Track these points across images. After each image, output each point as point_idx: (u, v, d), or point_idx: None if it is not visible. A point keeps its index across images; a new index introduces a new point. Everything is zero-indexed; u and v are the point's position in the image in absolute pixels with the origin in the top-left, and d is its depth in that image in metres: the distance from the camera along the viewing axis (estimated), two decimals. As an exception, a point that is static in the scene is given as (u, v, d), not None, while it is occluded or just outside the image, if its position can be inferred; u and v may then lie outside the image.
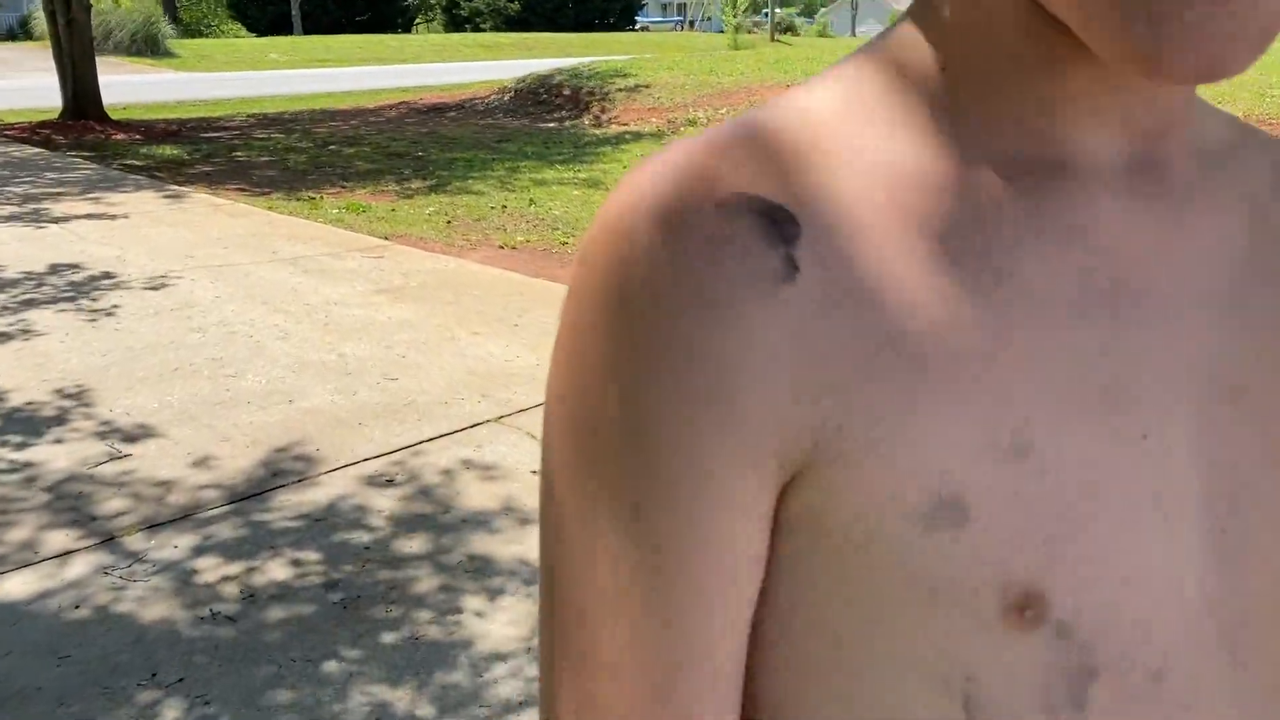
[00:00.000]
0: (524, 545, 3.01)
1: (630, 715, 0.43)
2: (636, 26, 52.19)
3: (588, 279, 0.43)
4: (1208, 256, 0.47)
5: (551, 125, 13.92)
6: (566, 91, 15.35)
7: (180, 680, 2.41)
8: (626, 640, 0.43)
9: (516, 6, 50.14)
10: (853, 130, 0.44)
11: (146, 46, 26.60)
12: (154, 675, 2.43)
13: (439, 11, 55.26)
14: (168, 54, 27.24)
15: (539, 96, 15.77)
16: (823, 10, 77.98)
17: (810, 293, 0.41)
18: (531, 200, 8.63)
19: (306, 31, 42.28)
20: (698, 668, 0.43)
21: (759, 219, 0.41)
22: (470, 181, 9.64)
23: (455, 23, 52.41)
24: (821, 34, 59.36)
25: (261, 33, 42.23)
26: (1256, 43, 0.37)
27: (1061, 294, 0.43)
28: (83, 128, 12.96)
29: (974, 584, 0.42)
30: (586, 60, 18.33)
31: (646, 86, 14.60)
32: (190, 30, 40.47)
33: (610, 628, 0.43)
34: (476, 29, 49.28)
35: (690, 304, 0.40)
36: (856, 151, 0.44)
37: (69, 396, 4.12)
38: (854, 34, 71.45)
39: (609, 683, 0.44)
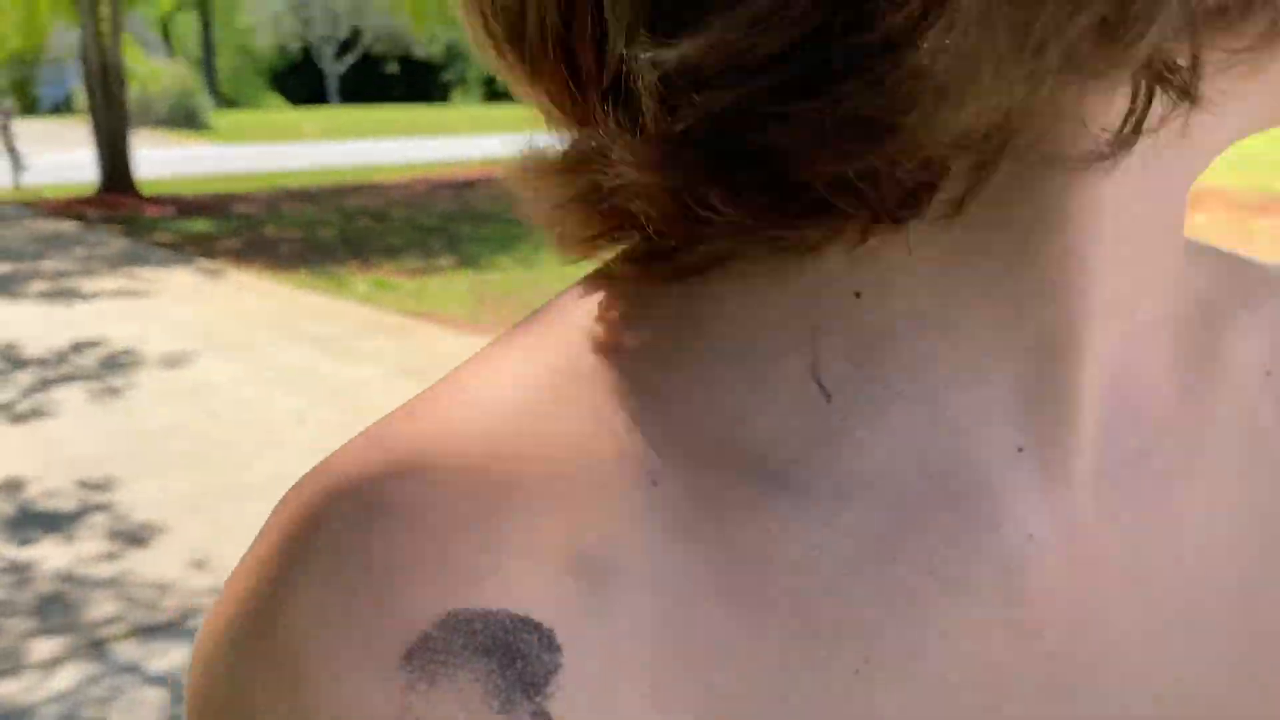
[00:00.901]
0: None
1: None
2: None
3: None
4: (1186, 570, 0.33)
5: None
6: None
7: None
8: None
9: (551, 80, 51.01)
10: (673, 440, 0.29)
11: (185, 119, 27.11)
12: (129, 817, 2.19)
13: (476, 84, 56.30)
14: (205, 126, 27.75)
15: (571, 170, 15.77)
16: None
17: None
18: (562, 277, 8.46)
19: (343, 102, 43.11)
20: None
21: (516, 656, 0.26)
22: (501, 258, 9.53)
23: (493, 95, 53.33)
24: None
25: (299, 104, 43.11)
26: None
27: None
28: (116, 202, 13.05)
29: None
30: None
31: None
32: (228, 102, 41.38)
33: None
34: (514, 100, 50.02)
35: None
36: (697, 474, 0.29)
37: (73, 484, 3.95)
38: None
39: None
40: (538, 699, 0.25)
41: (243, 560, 0.28)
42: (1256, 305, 0.38)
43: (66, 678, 2.68)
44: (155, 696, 2.60)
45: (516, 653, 0.25)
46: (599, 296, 0.32)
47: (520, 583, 0.25)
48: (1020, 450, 0.30)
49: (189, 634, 2.90)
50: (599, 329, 0.31)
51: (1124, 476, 0.32)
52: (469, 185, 16.21)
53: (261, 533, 0.28)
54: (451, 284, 8.26)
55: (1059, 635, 0.30)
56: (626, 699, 0.26)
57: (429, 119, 34.12)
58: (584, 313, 0.32)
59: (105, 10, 12.64)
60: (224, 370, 5.55)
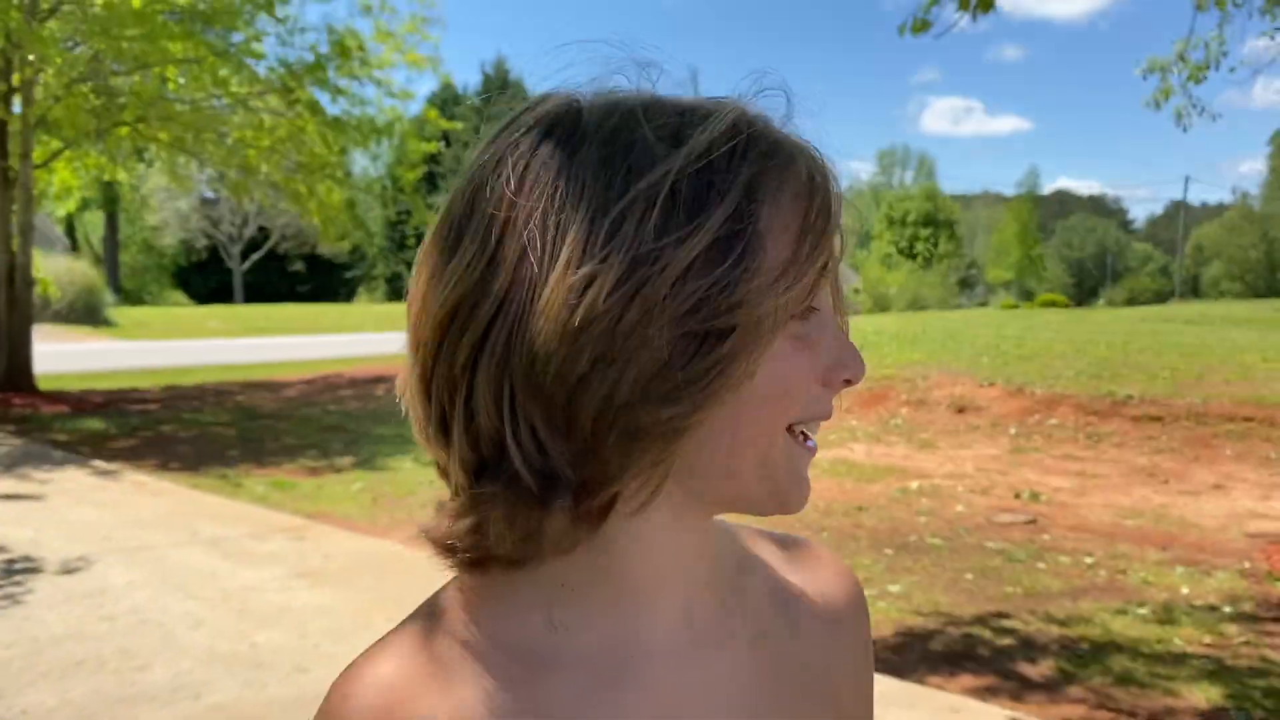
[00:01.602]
0: None
1: None
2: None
3: None
4: (726, 687, 0.70)
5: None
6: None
7: None
8: None
9: (456, 279, 51.96)
10: (489, 657, 0.65)
11: (86, 315, 27.02)
12: None
13: (382, 282, 57.11)
14: (106, 322, 27.66)
15: (473, 369, 16.18)
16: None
17: None
18: (459, 476, 8.72)
19: (248, 300, 43.28)
20: None
21: None
22: (398, 458, 9.75)
23: (398, 293, 53.98)
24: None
25: (202, 301, 43.14)
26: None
27: None
28: (11, 400, 12.97)
29: None
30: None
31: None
32: (131, 298, 41.22)
33: None
34: (416, 299, 50.66)
35: None
36: (524, 646, 0.65)
37: (-37, 694, 3.99)
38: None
39: None
40: None
41: None
42: (756, 555, 0.76)
43: None
44: None
45: None
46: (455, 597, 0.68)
47: (440, 698, 0.62)
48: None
49: (80, 840, 2.99)
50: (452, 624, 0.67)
51: (693, 651, 0.68)
52: (372, 382, 16.46)
53: None
54: (349, 483, 8.44)
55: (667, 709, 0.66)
56: None
57: (333, 316, 34.47)
58: (443, 610, 0.68)
59: (16, 214, 12.90)
60: (120, 575, 5.62)
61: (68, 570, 5.69)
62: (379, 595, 5.34)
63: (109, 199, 37.31)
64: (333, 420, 12.19)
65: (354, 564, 5.95)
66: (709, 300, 0.56)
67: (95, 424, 11.57)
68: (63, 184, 15.65)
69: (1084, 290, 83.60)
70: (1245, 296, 61.52)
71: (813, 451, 0.66)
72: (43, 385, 14.03)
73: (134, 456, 9.56)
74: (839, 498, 7.90)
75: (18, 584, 5.41)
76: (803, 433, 0.65)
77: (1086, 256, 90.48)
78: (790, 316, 0.60)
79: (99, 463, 9.18)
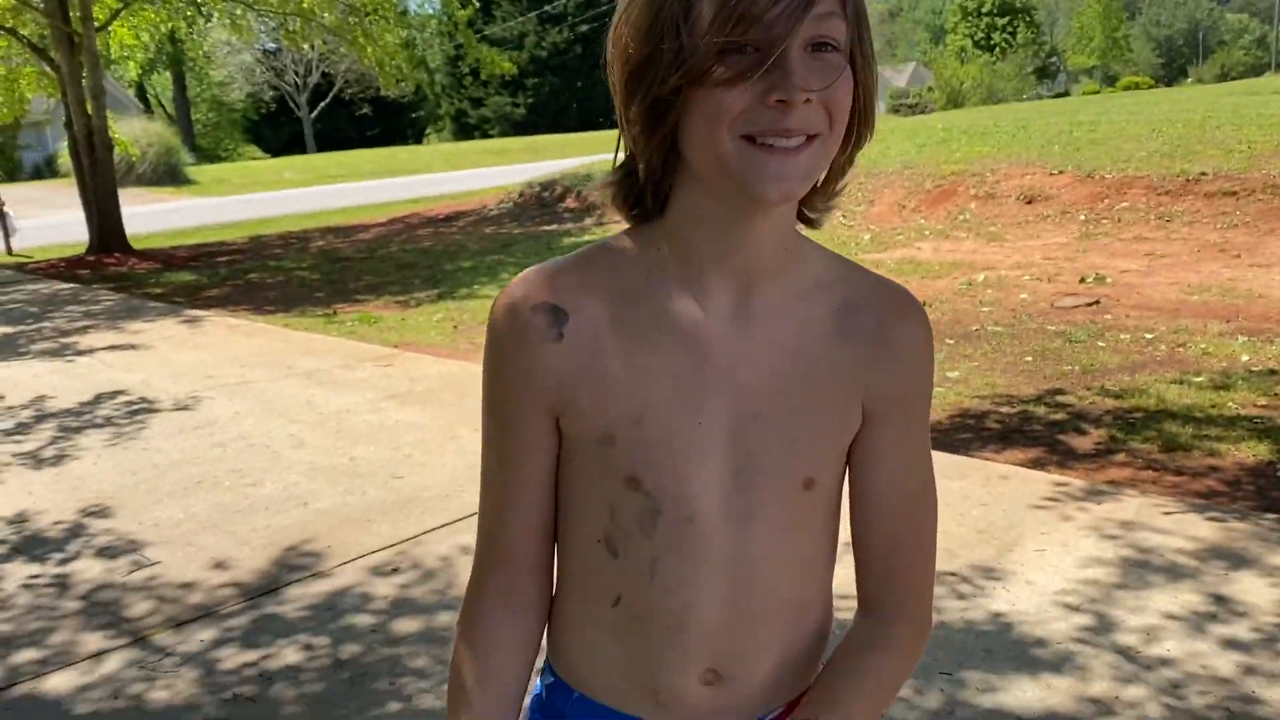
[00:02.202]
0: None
1: (488, 518, 1.05)
2: (640, 122, 53.30)
3: (487, 338, 0.99)
4: (764, 351, 0.94)
5: (554, 228, 14.46)
6: (567, 195, 15.94)
7: (207, 756, 2.71)
8: (490, 481, 1.04)
9: (522, 111, 51.56)
10: (617, 269, 0.97)
11: (167, 175, 27.65)
12: (184, 753, 2.73)
13: (448, 121, 56.87)
14: (187, 181, 28.29)
15: (542, 200, 16.36)
16: (821, 93, 79.11)
17: (567, 346, 0.95)
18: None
19: (320, 149, 43.59)
20: (521, 497, 1.01)
21: (549, 312, 0.95)
22: (476, 288, 10.10)
23: (464, 130, 53.91)
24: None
25: (276, 153, 43.60)
26: (802, 179, 0.86)
27: (682, 361, 0.95)
28: (107, 261, 13.59)
29: (616, 471, 0.96)
30: (586, 160, 19.01)
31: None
32: (207, 155, 41.85)
33: (485, 480, 1.05)
34: (485, 135, 50.67)
35: (515, 347, 0.96)
36: (612, 282, 0.96)
37: (101, 515, 4.47)
38: (853, 114, 72.33)
39: (484, 501, 1.05)
40: (561, 325, 0.94)
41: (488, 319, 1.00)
42: (846, 280, 1.00)
43: (111, 665, 3.20)
44: (190, 674, 3.12)
45: (555, 310, 0.95)
46: (618, 239, 1.00)
47: (558, 293, 0.96)
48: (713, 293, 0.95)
49: (217, 621, 3.44)
50: (623, 236, 1.00)
51: (748, 310, 0.94)
52: (445, 220, 16.77)
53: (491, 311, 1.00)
54: (430, 315, 8.82)
55: (719, 351, 0.94)
56: (590, 329, 0.95)
57: (403, 159, 34.65)
58: (622, 234, 1.00)
59: (86, 79, 13.21)
60: (225, 407, 6.09)
61: (179, 407, 6.18)
62: (463, 411, 5.72)
63: (174, 59, 37.50)
64: (410, 258, 12.56)
65: (439, 385, 6.34)
66: (657, 32, 0.84)
67: (187, 277, 12.12)
68: (120, 44, 15.85)
69: (1173, 70, 79.24)
70: (1351, 63, 57.65)
71: (778, 153, 0.84)
72: (133, 245, 14.62)
73: (226, 304, 10.06)
74: (903, 295, 8.02)
75: (137, 422, 5.90)
76: (765, 142, 0.84)
77: (1176, 33, 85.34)
78: (718, 52, 0.81)
79: (194, 311, 9.70)
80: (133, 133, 24.21)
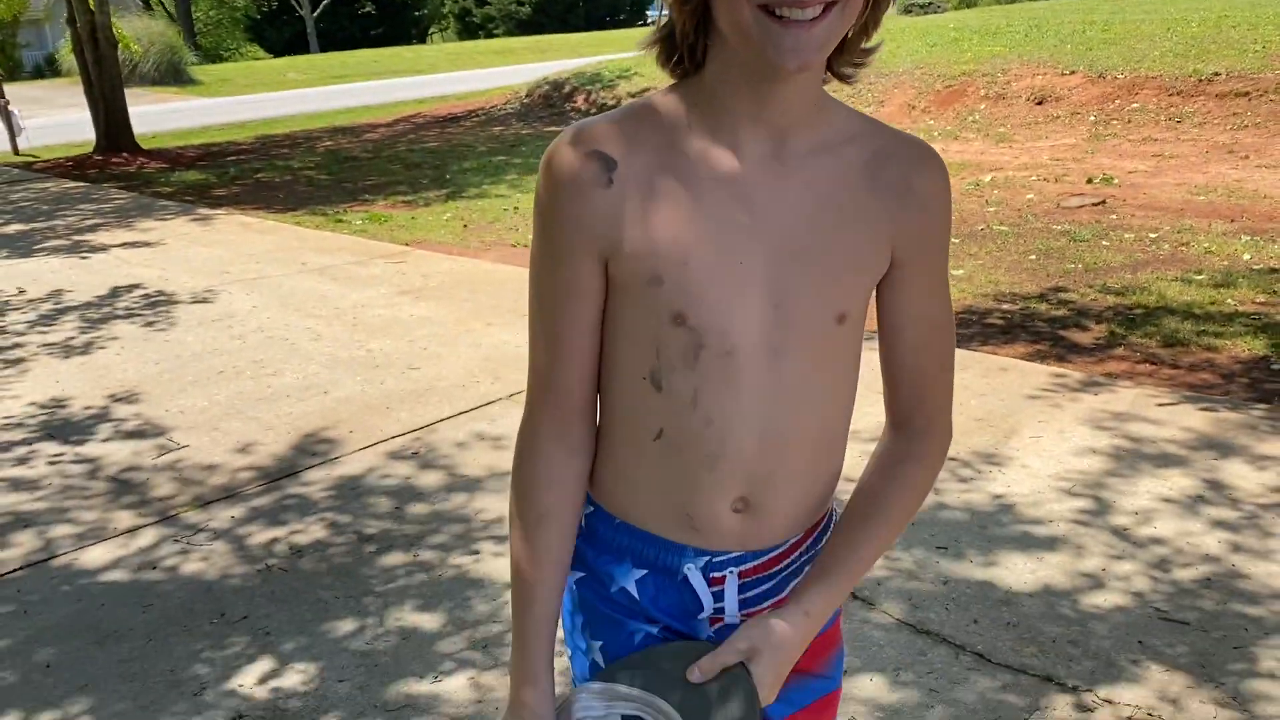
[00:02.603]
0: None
1: (543, 360, 1.11)
2: (648, 21, 52.46)
3: (539, 183, 1.04)
4: (798, 197, 1.03)
5: (559, 128, 14.37)
6: (576, 94, 15.80)
7: (245, 617, 2.88)
8: (544, 323, 1.09)
9: (528, 10, 50.58)
10: (661, 123, 1.04)
11: (170, 75, 27.32)
12: (222, 614, 2.90)
13: (452, 20, 55.83)
14: (191, 81, 27.96)
15: (550, 100, 16.22)
16: None
17: (617, 191, 1.01)
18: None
19: (323, 49, 42.94)
20: (574, 338, 1.08)
21: (599, 159, 1.01)
22: (485, 187, 10.12)
23: (468, 29, 52.97)
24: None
25: (279, 53, 42.96)
26: (818, 50, 0.92)
27: (723, 206, 1.02)
28: (115, 160, 13.57)
29: (663, 309, 1.03)
30: (595, 60, 18.78)
31: (654, 84, 15.02)
32: (210, 55, 41.24)
33: (537, 320, 1.10)
34: (489, 35, 49.80)
35: (568, 193, 1.02)
36: (656, 134, 1.03)
37: (127, 401, 4.62)
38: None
39: (537, 344, 1.11)
40: (611, 171, 1.01)
41: (541, 165, 1.07)
42: (870, 136, 1.08)
43: (145, 540, 3.37)
44: (219, 548, 3.28)
45: (605, 158, 1.02)
46: (663, 95, 1.06)
47: (607, 143, 1.03)
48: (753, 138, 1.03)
49: (245, 499, 3.60)
50: (665, 92, 1.07)
51: (782, 160, 1.03)
52: (451, 120, 16.66)
53: (544, 157, 1.06)
54: (440, 214, 8.88)
55: (756, 197, 1.02)
56: (637, 176, 1.02)
57: (407, 59, 34.17)
58: (666, 91, 1.07)
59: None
60: (243, 301, 6.21)
61: (197, 300, 6.29)
62: (476, 305, 5.83)
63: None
64: (418, 158, 12.54)
65: (451, 281, 6.44)
66: None
67: (195, 176, 12.13)
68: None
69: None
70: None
71: (794, 25, 0.90)
72: (141, 144, 14.58)
73: (236, 202, 10.11)
74: (911, 195, 8.05)
75: (156, 314, 6.03)
76: (780, 13, 0.91)
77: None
78: None
79: (205, 210, 9.75)
80: (134, 31, 23.87)
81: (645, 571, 1.15)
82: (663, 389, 1.06)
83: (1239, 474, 3.35)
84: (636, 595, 1.16)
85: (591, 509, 1.18)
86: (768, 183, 1.02)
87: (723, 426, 1.07)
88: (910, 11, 41.59)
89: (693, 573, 1.14)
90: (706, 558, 1.13)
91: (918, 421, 1.17)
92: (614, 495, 1.16)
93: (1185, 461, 3.47)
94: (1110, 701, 2.33)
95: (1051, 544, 3.00)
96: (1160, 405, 3.92)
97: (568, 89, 16.10)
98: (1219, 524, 3.06)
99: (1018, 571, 2.87)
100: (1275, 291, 5.17)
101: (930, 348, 1.14)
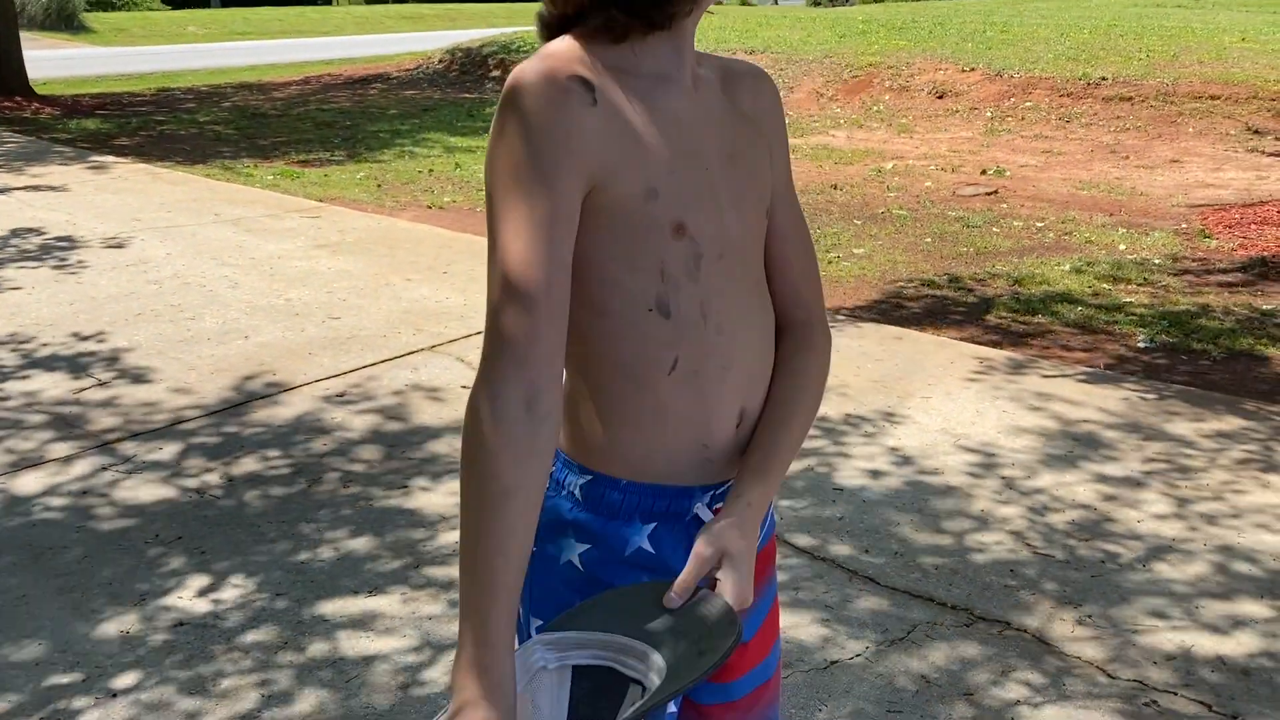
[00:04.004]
0: (454, 433, 3.63)
1: (512, 297, 0.98)
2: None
3: (511, 100, 1.01)
4: (709, 112, 1.16)
5: (474, 96, 14.39)
6: (490, 61, 15.80)
7: (179, 538, 3.00)
8: (525, 260, 0.99)
9: (437, -23, 49.78)
10: (602, 55, 1.05)
11: (61, 21, 26.31)
12: (157, 536, 3.02)
13: (358, -17, 54.59)
14: (83, 28, 26.96)
15: (464, 67, 16.19)
16: (743, -21, 78.32)
17: (601, 111, 1.02)
18: (457, 164, 9.18)
19: (224, 4, 41.67)
20: (558, 269, 1.00)
21: (582, 82, 1.01)
22: (398, 148, 10.14)
23: (375, -6, 51.87)
24: (744, 3, 59.58)
25: (178, 6, 41.54)
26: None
27: (676, 123, 1.09)
28: (7, 103, 13.12)
29: (662, 222, 1.07)
30: (510, 30, 18.76)
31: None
32: (103, 3, 39.66)
33: (511, 258, 0.99)
34: (399, 0, 48.92)
35: (556, 111, 0.99)
36: (604, 61, 1.05)
37: (44, 340, 4.63)
38: (775, 2, 71.84)
39: (512, 290, 0.98)
40: (593, 92, 1.02)
41: (501, 96, 1.03)
42: (716, 60, 1.25)
43: (78, 469, 3.44)
44: (151, 477, 3.37)
45: (584, 79, 1.01)
46: (582, 38, 1.06)
47: (583, 69, 1.02)
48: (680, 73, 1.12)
49: (176, 435, 3.69)
50: (583, 42, 1.06)
51: (695, 92, 1.14)
52: (362, 81, 16.49)
53: (506, 87, 1.02)
54: (353, 173, 8.89)
55: (689, 123, 1.11)
56: (611, 97, 1.04)
57: (313, 20, 33.46)
58: (578, 40, 1.06)
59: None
60: (157, 248, 6.19)
61: (108, 245, 6.25)
62: (394, 261, 5.93)
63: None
64: (329, 118, 12.44)
65: (367, 238, 6.52)
66: None
67: (95, 124, 11.83)
68: None
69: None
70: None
71: None
72: (34, 90, 14.11)
73: (139, 153, 9.92)
74: (816, 179, 8.38)
75: (66, 257, 5.98)
76: None
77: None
78: None
79: (109, 158, 9.56)
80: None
81: (654, 524, 1.16)
82: (671, 313, 1.09)
83: (1118, 437, 3.71)
84: (653, 550, 1.16)
85: (589, 477, 1.15)
86: (698, 100, 1.13)
87: (730, 331, 1.13)
88: (819, 3, 42.26)
89: (702, 509, 1.16)
90: (711, 491, 1.17)
91: (799, 314, 1.24)
92: (619, 456, 1.13)
93: (1061, 420, 3.81)
94: (985, 619, 2.63)
95: (939, 490, 3.30)
96: (1044, 376, 4.27)
97: (482, 56, 16.08)
98: (1099, 477, 3.40)
99: (909, 513, 3.16)
100: (1128, 279, 5.60)
101: (796, 236, 1.25)
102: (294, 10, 36.71)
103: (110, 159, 9.52)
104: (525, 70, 1.01)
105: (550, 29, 1.11)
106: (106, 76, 17.75)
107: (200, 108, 13.53)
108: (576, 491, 1.15)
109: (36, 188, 8.07)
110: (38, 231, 6.58)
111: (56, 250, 6.13)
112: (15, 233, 6.54)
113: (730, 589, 1.05)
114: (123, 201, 7.55)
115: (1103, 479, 3.37)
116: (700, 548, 1.06)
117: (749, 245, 1.17)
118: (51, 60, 19.80)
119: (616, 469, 1.13)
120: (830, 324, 4.89)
